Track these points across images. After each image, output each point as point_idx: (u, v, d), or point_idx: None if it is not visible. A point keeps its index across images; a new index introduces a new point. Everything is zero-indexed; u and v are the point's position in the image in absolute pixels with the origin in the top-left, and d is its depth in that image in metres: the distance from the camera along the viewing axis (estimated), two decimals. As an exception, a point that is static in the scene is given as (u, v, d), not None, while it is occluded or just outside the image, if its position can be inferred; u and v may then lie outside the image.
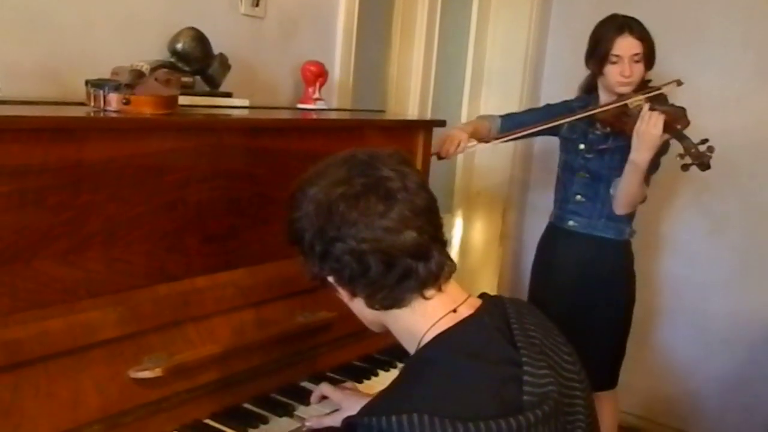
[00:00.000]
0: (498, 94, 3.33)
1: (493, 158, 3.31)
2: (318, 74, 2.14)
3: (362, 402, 1.36)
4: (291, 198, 1.09)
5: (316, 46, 2.31)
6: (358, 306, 1.10)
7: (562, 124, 2.36)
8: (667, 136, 2.10)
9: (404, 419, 0.89)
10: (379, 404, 0.99)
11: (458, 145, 2.24)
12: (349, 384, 1.52)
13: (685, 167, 2.09)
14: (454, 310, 1.05)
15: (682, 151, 2.09)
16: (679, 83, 2.19)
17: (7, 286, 1.17)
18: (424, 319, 1.05)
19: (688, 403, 3.09)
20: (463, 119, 3.33)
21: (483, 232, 3.45)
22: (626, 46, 2.20)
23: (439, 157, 2.24)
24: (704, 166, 2.07)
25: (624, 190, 2.25)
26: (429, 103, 3.01)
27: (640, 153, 2.11)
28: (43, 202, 1.20)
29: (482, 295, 1.12)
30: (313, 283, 1.12)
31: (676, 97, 2.23)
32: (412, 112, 2.91)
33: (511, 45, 3.31)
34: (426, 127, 2.04)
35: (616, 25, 2.23)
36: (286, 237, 1.11)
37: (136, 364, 1.28)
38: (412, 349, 1.07)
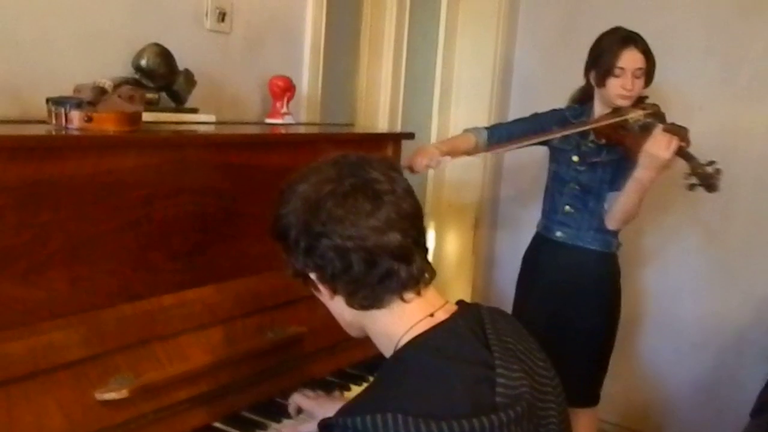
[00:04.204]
0: (467, 106, 3.35)
1: (464, 171, 3.32)
2: (285, 89, 2.13)
3: (335, 407, 1.35)
4: (280, 194, 1.10)
5: (283, 61, 2.31)
6: (338, 306, 1.10)
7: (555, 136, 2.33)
8: (675, 157, 2.08)
9: (378, 419, 0.90)
10: (354, 405, 1.01)
11: (430, 159, 2.19)
12: (321, 393, 1.51)
13: (691, 187, 2.08)
14: (432, 315, 1.06)
15: (688, 170, 2.08)
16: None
17: (-35, 309, 1.14)
18: (401, 321, 1.06)
19: (661, 409, 3.11)
20: (433, 132, 3.34)
21: (455, 244, 3.46)
22: (631, 59, 2.19)
23: (411, 171, 2.21)
24: (712, 188, 2.06)
25: (623, 207, 2.23)
26: (399, 116, 3.02)
27: (647, 172, 2.09)
28: (2, 222, 1.17)
29: (459, 302, 1.14)
30: (295, 279, 1.13)
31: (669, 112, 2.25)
32: (382, 126, 2.91)
33: (479, 57, 3.33)
34: (395, 139, 2.04)
35: (620, 37, 2.22)
36: (272, 232, 1.12)
37: (102, 385, 1.25)
38: (389, 353, 1.08)
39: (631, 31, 2.24)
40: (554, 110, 2.43)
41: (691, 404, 3.02)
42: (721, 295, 2.93)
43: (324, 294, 1.10)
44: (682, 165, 2.11)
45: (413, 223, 1.07)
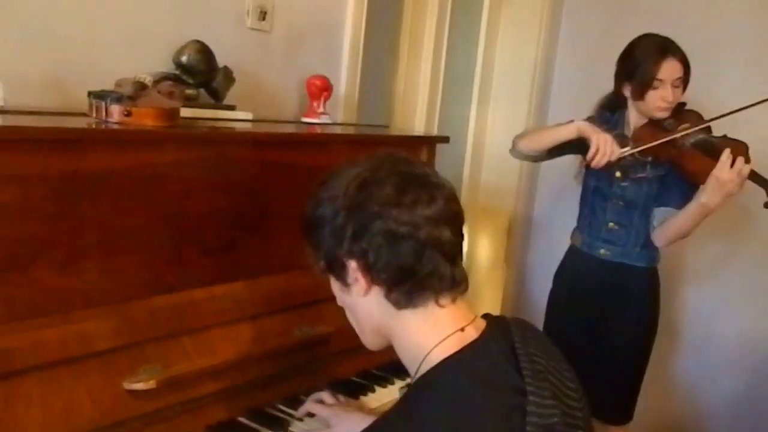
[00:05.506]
0: (506, 111, 3.33)
1: (500, 175, 3.31)
2: (323, 88, 2.14)
3: (350, 418, 1.36)
4: (322, 181, 1.07)
5: (322, 60, 2.32)
6: (369, 304, 1.06)
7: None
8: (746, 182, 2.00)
9: None
10: (381, 428, 0.98)
11: (611, 155, 2.07)
12: (341, 398, 1.51)
13: None
14: (462, 329, 1.03)
15: (765, 197, 2.02)
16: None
17: (2, 295, 1.17)
18: (433, 331, 1.02)
19: (695, 425, 3.05)
20: (470, 136, 3.33)
21: (487, 249, 3.45)
22: (671, 69, 2.10)
23: (588, 167, 2.14)
24: None
25: (679, 229, 2.17)
26: (435, 119, 3.02)
27: (715, 198, 2.01)
28: (41, 212, 1.21)
29: (486, 316, 1.10)
30: (324, 273, 1.10)
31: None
32: (419, 128, 2.91)
33: (519, 61, 3.31)
34: (429, 143, 2.04)
35: (657, 46, 2.13)
36: (308, 219, 1.08)
37: (131, 375, 1.28)
38: (412, 366, 1.05)
39: (664, 38, 2.16)
40: (590, 118, 2.33)
41: (725, 422, 2.97)
42: (758, 313, 2.87)
43: (359, 288, 1.05)
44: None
45: (459, 226, 1.05)
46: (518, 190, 3.35)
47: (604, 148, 2.06)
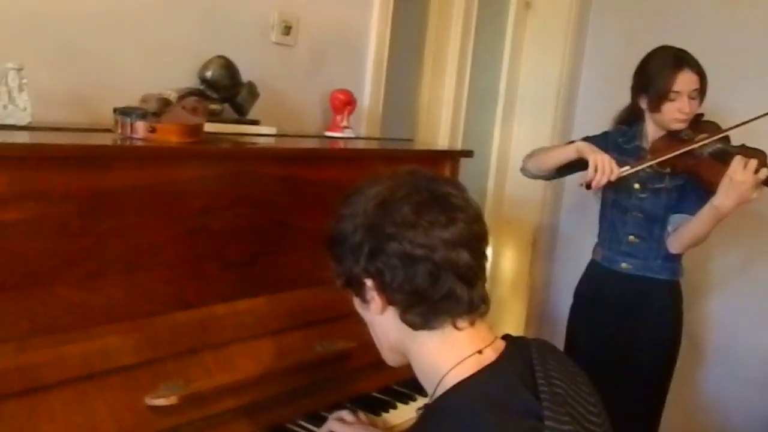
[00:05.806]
0: (530, 124, 3.31)
1: (525, 188, 3.28)
2: (346, 102, 2.15)
3: None
4: (345, 197, 1.07)
5: (345, 75, 2.33)
6: (386, 322, 1.06)
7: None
8: (761, 188, 1.99)
9: None
10: None
11: (609, 175, 2.06)
12: (361, 415, 1.50)
13: None
14: (480, 352, 1.02)
15: None
16: None
17: (26, 311, 1.18)
18: (450, 352, 1.02)
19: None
20: (495, 150, 3.32)
21: (512, 261, 3.42)
22: (686, 81, 2.10)
23: (588, 188, 2.12)
24: None
25: (694, 233, 2.15)
26: (459, 133, 3.01)
27: (728, 200, 1.99)
28: (65, 228, 1.22)
29: (506, 337, 1.09)
30: (344, 289, 1.10)
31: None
32: (443, 142, 2.90)
33: (544, 75, 3.29)
34: (453, 157, 2.03)
35: (672, 59, 2.13)
36: (329, 235, 1.08)
37: (153, 391, 1.28)
38: (430, 386, 1.04)
39: (679, 50, 2.15)
40: (606, 133, 2.34)
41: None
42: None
43: (375, 306, 1.05)
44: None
45: (480, 248, 1.04)
46: (543, 202, 3.32)
47: (603, 167, 2.06)
